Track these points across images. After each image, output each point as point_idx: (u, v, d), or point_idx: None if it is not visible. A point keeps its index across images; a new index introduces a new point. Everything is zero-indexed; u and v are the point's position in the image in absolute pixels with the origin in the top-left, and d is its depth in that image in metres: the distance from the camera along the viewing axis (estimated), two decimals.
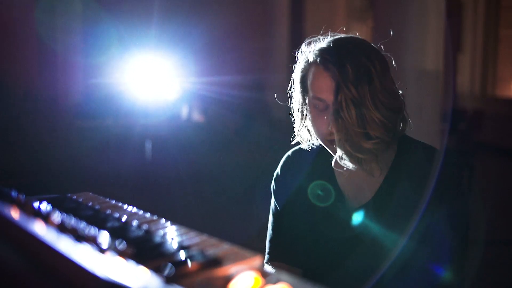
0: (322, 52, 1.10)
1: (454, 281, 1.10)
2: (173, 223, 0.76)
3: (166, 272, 0.54)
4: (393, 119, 1.09)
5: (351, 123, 1.05)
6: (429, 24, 3.48)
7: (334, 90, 1.07)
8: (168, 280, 0.52)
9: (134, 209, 0.85)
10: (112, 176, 5.78)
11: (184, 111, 8.88)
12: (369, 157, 1.10)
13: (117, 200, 0.90)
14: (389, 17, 3.54)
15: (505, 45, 9.14)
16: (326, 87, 1.08)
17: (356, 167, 1.13)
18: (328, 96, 1.08)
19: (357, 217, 1.16)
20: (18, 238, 0.63)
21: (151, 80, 6.54)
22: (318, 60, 1.10)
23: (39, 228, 0.63)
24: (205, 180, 5.93)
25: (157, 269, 0.54)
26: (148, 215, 0.81)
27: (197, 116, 9.16)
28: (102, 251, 0.59)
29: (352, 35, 1.16)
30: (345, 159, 1.12)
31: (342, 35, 1.15)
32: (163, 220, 0.78)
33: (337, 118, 1.06)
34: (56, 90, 6.90)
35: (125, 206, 0.87)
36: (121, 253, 0.58)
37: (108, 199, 0.92)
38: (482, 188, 5.35)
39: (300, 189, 1.24)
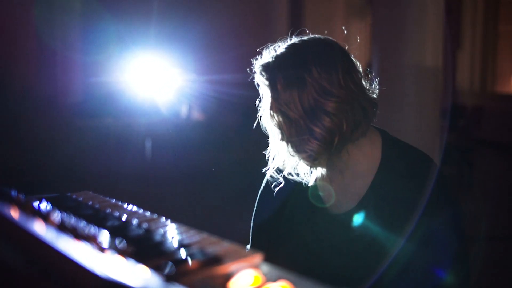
0: (262, 65, 1.13)
1: (455, 283, 1.10)
2: (173, 221, 0.76)
3: (166, 270, 0.54)
4: (337, 124, 1.06)
5: (285, 132, 1.09)
6: (428, 20, 3.47)
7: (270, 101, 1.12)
8: (168, 278, 0.52)
9: (134, 208, 0.85)
10: (111, 175, 5.78)
11: (184, 110, 8.87)
12: (310, 164, 1.13)
13: (117, 199, 0.90)
14: (388, 14, 3.54)
15: (504, 41, 9.13)
16: (265, 99, 1.14)
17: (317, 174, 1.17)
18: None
19: (339, 223, 1.17)
20: (18, 237, 0.63)
21: (150, 78, 6.53)
22: (260, 73, 1.13)
23: (39, 227, 0.63)
24: (205, 178, 5.93)
25: (157, 268, 0.54)
26: (148, 213, 0.81)
27: (196, 115, 9.15)
28: (102, 250, 0.59)
29: (300, 39, 1.14)
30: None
31: (290, 42, 1.14)
32: (163, 219, 0.78)
33: (272, 127, 1.12)
34: (55, 88, 6.89)
35: (125, 205, 0.87)
36: (121, 252, 0.58)
37: (107, 198, 0.92)
38: (482, 184, 5.35)
39: (284, 192, 1.24)
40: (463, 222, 1.14)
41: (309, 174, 1.18)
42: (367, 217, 1.14)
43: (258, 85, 1.15)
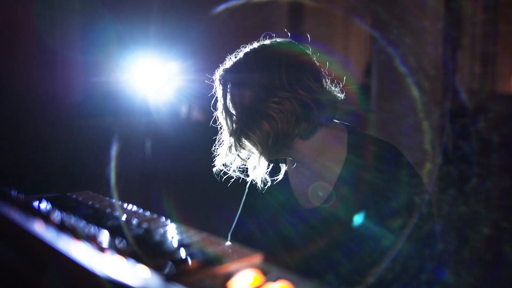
0: (221, 70, 1.20)
1: (452, 281, 1.11)
2: (173, 221, 0.76)
3: (166, 270, 0.54)
4: (273, 126, 1.10)
5: (228, 129, 1.16)
6: (428, 20, 3.47)
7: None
8: (168, 278, 0.52)
9: (134, 208, 0.85)
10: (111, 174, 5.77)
11: (184, 109, 8.87)
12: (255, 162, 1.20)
13: (117, 198, 0.90)
14: (388, 14, 3.54)
15: (504, 41, 9.12)
16: (219, 100, 1.21)
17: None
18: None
19: (310, 217, 1.19)
20: (18, 237, 0.63)
21: (150, 78, 6.53)
22: (218, 78, 1.21)
23: (39, 227, 0.63)
24: (205, 178, 5.92)
25: (157, 268, 0.54)
26: (148, 213, 0.81)
27: (197, 114, 9.15)
28: (102, 250, 0.59)
29: (260, 44, 1.19)
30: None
31: (249, 47, 1.19)
32: (163, 219, 0.78)
33: (223, 125, 1.19)
34: (55, 88, 6.88)
35: (125, 205, 0.87)
36: (121, 252, 0.58)
37: (107, 198, 0.92)
38: (483, 185, 5.34)
39: (266, 188, 1.29)
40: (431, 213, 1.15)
41: (256, 172, 1.23)
42: (337, 210, 1.16)
43: (215, 90, 1.21)
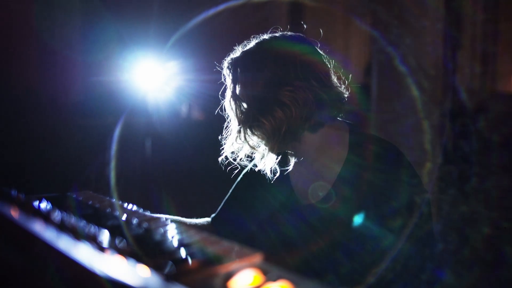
0: (230, 59, 1.21)
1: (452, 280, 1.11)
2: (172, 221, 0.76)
3: (167, 270, 0.54)
4: (287, 115, 1.11)
5: (237, 117, 1.17)
6: (428, 20, 3.47)
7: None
8: (168, 278, 0.52)
9: (134, 207, 0.85)
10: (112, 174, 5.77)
11: (184, 109, 8.87)
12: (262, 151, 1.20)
13: (117, 198, 0.90)
14: (388, 14, 3.54)
15: (504, 40, 9.11)
16: (228, 89, 1.22)
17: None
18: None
19: (309, 215, 1.19)
20: (18, 237, 0.63)
21: (151, 78, 6.53)
22: (226, 66, 1.22)
23: (39, 227, 0.63)
24: (206, 178, 5.92)
25: (157, 267, 0.54)
26: (148, 213, 0.81)
27: (197, 114, 9.15)
28: (102, 249, 0.59)
29: (270, 36, 1.20)
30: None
31: (260, 39, 1.20)
32: (163, 218, 0.78)
33: (230, 114, 1.20)
34: (56, 88, 6.88)
35: (125, 205, 0.87)
36: (121, 252, 0.58)
37: (107, 198, 0.92)
38: (483, 185, 5.34)
39: (264, 182, 1.29)
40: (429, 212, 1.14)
41: (264, 162, 1.23)
42: (337, 210, 1.16)
43: (224, 78, 1.21)
